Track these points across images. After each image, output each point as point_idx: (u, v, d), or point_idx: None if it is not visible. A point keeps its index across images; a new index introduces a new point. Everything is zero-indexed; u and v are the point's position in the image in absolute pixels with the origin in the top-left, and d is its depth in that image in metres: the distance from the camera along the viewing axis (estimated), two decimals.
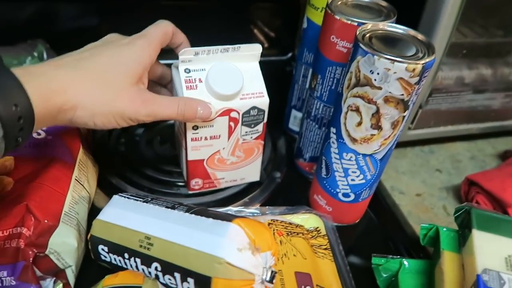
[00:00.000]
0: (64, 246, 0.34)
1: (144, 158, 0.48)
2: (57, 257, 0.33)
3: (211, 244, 0.28)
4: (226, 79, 0.37)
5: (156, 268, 0.30)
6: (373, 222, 0.47)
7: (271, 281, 0.29)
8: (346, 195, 0.41)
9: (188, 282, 0.28)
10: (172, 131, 0.53)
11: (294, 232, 0.39)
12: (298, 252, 0.37)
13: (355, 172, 0.39)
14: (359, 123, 0.36)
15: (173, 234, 0.30)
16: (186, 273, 0.28)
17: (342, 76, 0.40)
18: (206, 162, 0.41)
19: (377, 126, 0.35)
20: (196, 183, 0.43)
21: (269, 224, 0.39)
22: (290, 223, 0.40)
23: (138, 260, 0.31)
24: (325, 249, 0.39)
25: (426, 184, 0.51)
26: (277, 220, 0.40)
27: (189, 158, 0.40)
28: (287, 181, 0.50)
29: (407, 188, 0.50)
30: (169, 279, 0.29)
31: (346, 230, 0.44)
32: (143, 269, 0.31)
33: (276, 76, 0.54)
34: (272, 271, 0.29)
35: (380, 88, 0.33)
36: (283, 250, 0.37)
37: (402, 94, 0.33)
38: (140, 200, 0.35)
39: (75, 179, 0.37)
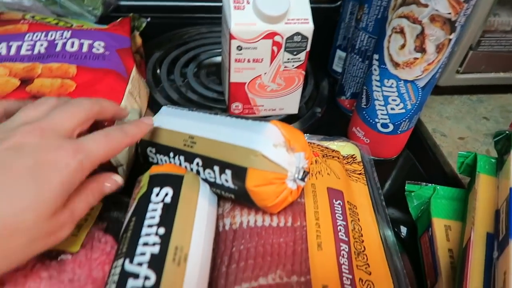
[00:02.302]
0: None
1: (191, 86, 0.51)
2: None
3: (249, 139, 0.30)
4: (273, 1, 0.38)
5: (197, 164, 0.32)
6: (411, 160, 0.47)
7: (302, 179, 0.30)
8: (384, 125, 0.42)
9: (226, 174, 0.30)
10: (218, 68, 0.55)
11: (330, 156, 0.40)
12: (332, 172, 0.38)
13: (395, 100, 0.39)
14: (403, 46, 0.35)
15: (214, 132, 0.32)
16: (224, 166, 0.30)
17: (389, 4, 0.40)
18: (247, 86, 0.43)
19: (421, 49, 0.35)
20: (236, 107, 0.45)
21: None
22: (327, 148, 0.41)
23: (182, 157, 0.33)
24: (359, 174, 0.40)
25: (471, 129, 0.50)
26: (314, 143, 0.41)
27: (232, 80, 0.42)
28: (327, 116, 0.50)
29: (450, 131, 0.49)
30: (209, 173, 0.32)
31: (383, 165, 0.45)
32: (186, 166, 0.33)
33: (325, 24, 0.54)
34: (304, 171, 0.30)
35: (426, 6, 0.32)
36: (317, 168, 0.38)
37: (450, 13, 0.32)
38: (186, 109, 0.37)
39: (129, 92, 0.40)
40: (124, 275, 0.25)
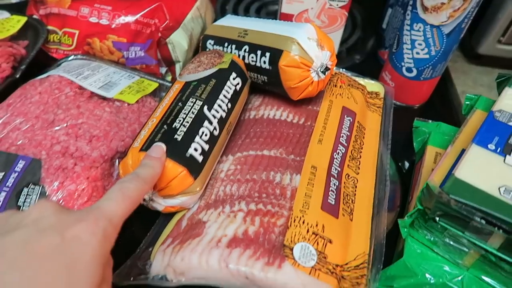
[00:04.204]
0: (178, 44, 0.46)
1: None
2: (172, 49, 0.46)
3: (289, 31, 0.37)
4: None
5: (245, 50, 0.40)
6: (432, 114, 0.50)
7: (324, 72, 0.37)
8: (409, 69, 0.46)
9: (265, 56, 0.38)
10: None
11: (355, 86, 0.45)
12: (352, 97, 0.44)
13: (420, 45, 0.43)
14: None
15: (264, 27, 0.40)
16: (265, 50, 0.38)
17: None
18: (295, 19, 0.50)
19: None
20: None
21: (335, 73, 0.45)
22: (355, 80, 0.46)
23: (233, 46, 0.41)
24: (378, 107, 0.45)
25: None
26: (343, 74, 0.46)
27: (282, 11, 0.49)
28: (364, 65, 0.55)
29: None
30: (252, 57, 0.39)
31: (404, 111, 0.49)
32: (235, 52, 0.41)
33: None
34: (326, 67, 0.37)
35: None
36: (339, 91, 0.43)
37: None
38: (246, 17, 0.45)
39: (196, 7, 0.49)
40: (201, 117, 0.34)
